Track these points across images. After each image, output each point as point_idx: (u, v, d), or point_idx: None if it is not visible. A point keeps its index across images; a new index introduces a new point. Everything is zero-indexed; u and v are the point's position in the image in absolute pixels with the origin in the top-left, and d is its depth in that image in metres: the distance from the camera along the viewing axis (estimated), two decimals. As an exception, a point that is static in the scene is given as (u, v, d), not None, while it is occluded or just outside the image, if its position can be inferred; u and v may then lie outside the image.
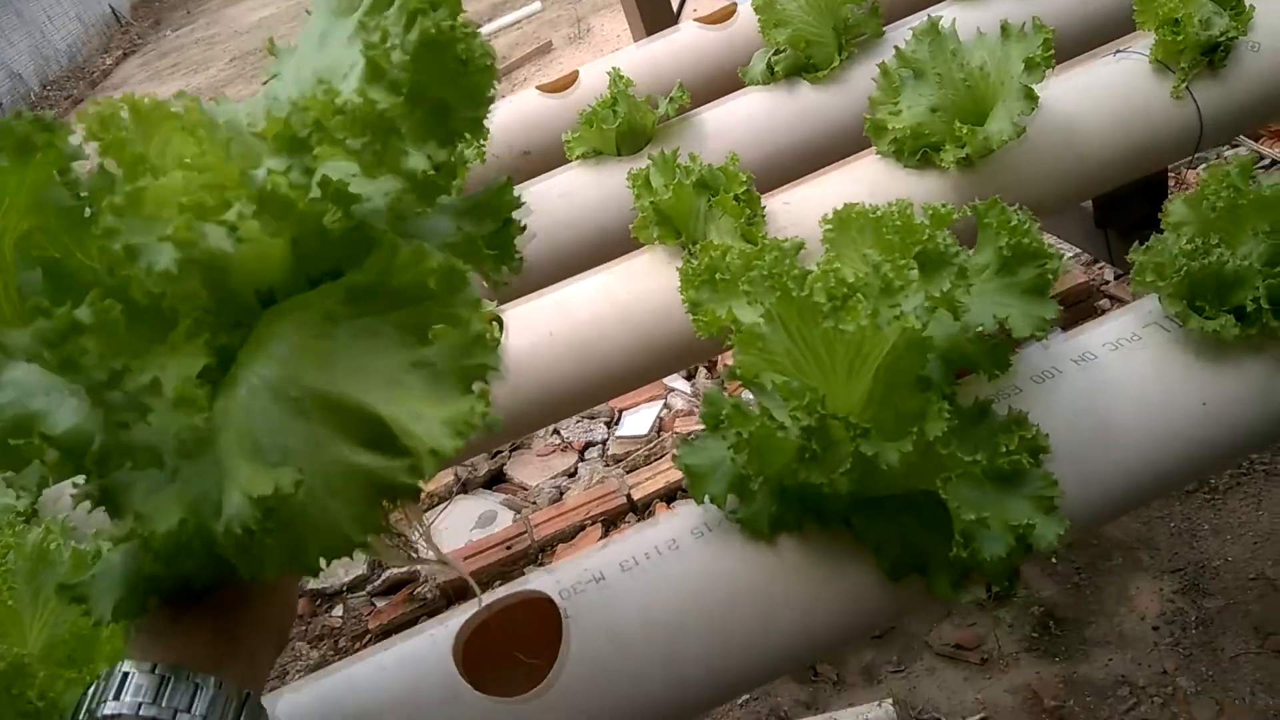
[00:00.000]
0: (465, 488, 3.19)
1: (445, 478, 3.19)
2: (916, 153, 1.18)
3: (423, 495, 0.57)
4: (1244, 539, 2.27)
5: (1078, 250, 3.08)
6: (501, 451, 3.32)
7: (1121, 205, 1.37)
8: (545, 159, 1.60)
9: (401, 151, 0.54)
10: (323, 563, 0.52)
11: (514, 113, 1.68)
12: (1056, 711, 2.10)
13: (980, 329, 0.73)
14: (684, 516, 0.87)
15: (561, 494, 3.12)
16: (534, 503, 3.12)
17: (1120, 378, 0.82)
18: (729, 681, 0.79)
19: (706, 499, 0.82)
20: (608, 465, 3.16)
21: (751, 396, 0.87)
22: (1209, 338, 0.81)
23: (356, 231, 0.54)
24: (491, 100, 0.59)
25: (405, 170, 0.55)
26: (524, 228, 0.64)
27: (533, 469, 3.25)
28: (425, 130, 0.56)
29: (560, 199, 1.38)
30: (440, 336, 0.52)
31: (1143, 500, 0.82)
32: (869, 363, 0.72)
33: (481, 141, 1.35)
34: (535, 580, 0.86)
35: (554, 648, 0.79)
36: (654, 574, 0.82)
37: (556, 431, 3.36)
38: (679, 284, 0.91)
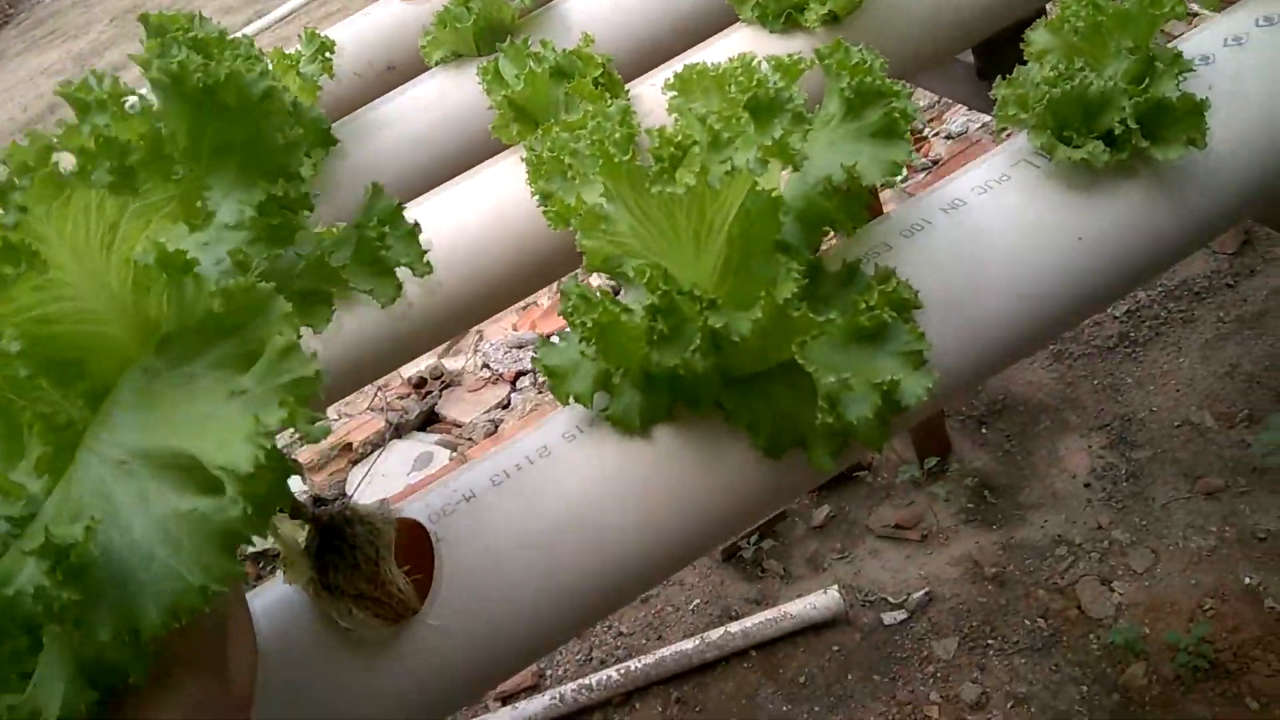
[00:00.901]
0: (399, 432, 3.12)
1: (378, 424, 3.12)
2: (780, 15, 1.11)
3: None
4: (1167, 388, 2.30)
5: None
6: (431, 392, 3.25)
7: (1002, 51, 1.32)
8: (410, 73, 1.50)
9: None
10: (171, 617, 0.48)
11: (373, 25, 1.57)
12: (997, 577, 2.13)
13: (830, 179, 0.68)
14: (555, 421, 0.82)
15: (497, 426, 3.07)
16: (470, 439, 3.07)
17: (991, 221, 0.77)
18: (613, 586, 0.75)
19: (571, 399, 0.77)
20: (541, 392, 3.11)
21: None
22: (1080, 168, 0.77)
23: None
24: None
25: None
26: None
27: (465, 405, 3.19)
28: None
29: (421, 111, 1.29)
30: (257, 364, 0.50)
31: (1026, 346, 0.79)
32: (715, 230, 0.66)
33: (328, 54, 1.26)
34: (408, 508, 0.81)
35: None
36: (526, 484, 0.77)
37: (486, 365, 3.29)
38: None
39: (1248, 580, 1.95)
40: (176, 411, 0.51)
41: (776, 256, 0.70)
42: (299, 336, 0.51)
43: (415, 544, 0.80)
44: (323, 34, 1.27)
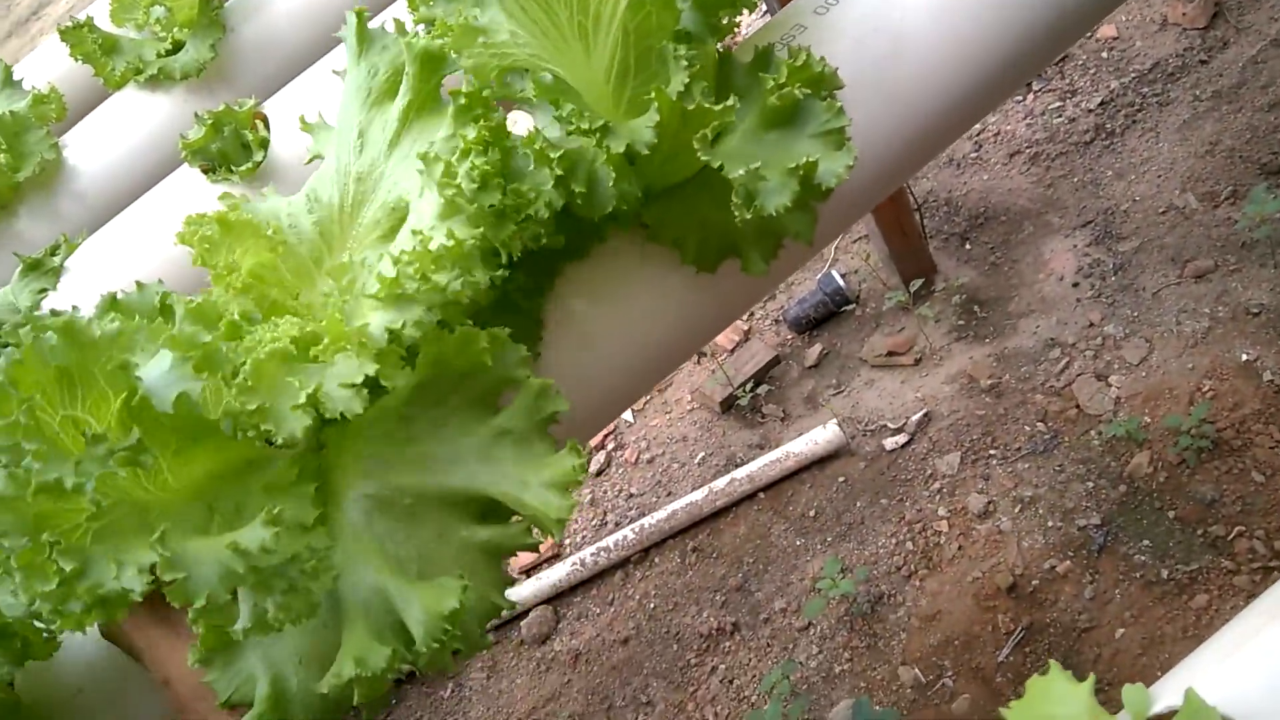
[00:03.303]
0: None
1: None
2: None
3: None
4: (1148, 175, 2.23)
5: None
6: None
7: None
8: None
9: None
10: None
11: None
12: (994, 389, 2.11)
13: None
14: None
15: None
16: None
17: (908, -18, 0.71)
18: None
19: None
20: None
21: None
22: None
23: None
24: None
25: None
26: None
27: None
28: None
29: None
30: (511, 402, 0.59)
31: (961, 115, 0.73)
32: (604, 23, 0.60)
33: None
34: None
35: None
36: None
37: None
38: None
39: (1244, 356, 1.92)
40: (443, 452, 0.59)
41: (677, 45, 0.64)
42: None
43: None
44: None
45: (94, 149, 1.23)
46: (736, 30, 0.74)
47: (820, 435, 2.18)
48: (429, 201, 0.57)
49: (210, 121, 0.97)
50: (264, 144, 0.98)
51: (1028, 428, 2.02)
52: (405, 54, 0.62)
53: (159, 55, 1.19)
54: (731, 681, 2.01)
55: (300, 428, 0.51)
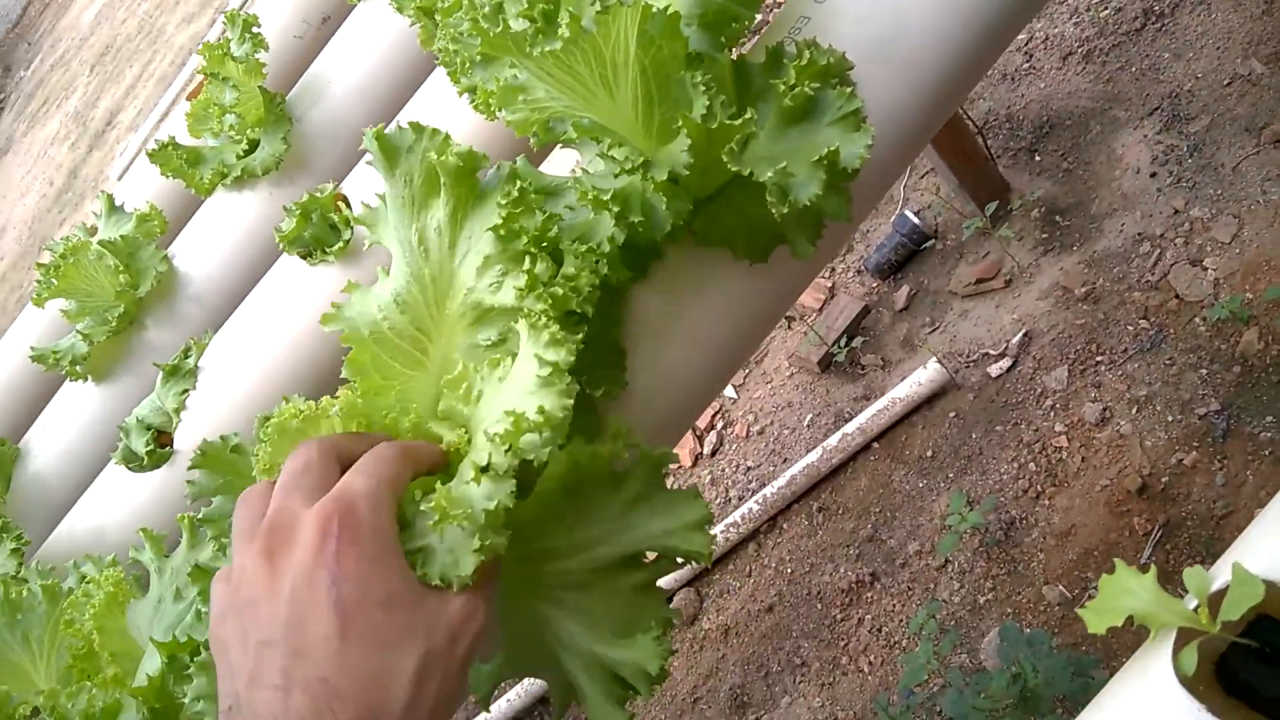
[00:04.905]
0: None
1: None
2: None
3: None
4: (1206, 49, 2.17)
5: None
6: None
7: None
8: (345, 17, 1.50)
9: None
10: None
11: (294, -14, 1.57)
12: (1090, 295, 2.10)
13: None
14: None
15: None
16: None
17: (898, -47, 0.74)
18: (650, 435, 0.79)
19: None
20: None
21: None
22: None
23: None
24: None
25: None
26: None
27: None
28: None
29: (356, 53, 1.30)
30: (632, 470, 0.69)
31: (971, 69, 0.77)
32: (621, 66, 0.66)
33: (254, 29, 1.27)
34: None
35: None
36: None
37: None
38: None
39: (1342, 211, 1.87)
40: (591, 533, 0.68)
41: (693, 72, 0.70)
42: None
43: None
44: (242, 12, 1.28)
45: (199, 254, 1.35)
46: (747, 34, 0.79)
47: (922, 375, 2.20)
48: (525, 358, 0.65)
49: (299, 212, 1.07)
50: (348, 222, 1.07)
51: (1130, 327, 2.00)
52: (438, 168, 0.67)
53: (238, 157, 1.31)
54: (880, 629, 2.05)
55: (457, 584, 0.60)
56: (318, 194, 1.10)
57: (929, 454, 2.17)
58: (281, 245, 1.10)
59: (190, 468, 0.78)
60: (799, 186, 0.63)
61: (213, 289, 1.34)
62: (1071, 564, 1.86)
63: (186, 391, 1.13)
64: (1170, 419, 1.87)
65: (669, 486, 0.69)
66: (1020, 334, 2.15)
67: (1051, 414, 2.02)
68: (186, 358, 1.16)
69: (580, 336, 0.70)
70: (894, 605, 2.06)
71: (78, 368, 1.33)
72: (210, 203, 1.36)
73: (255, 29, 1.27)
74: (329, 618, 0.53)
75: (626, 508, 0.68)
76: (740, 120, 0.61)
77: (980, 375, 2.18)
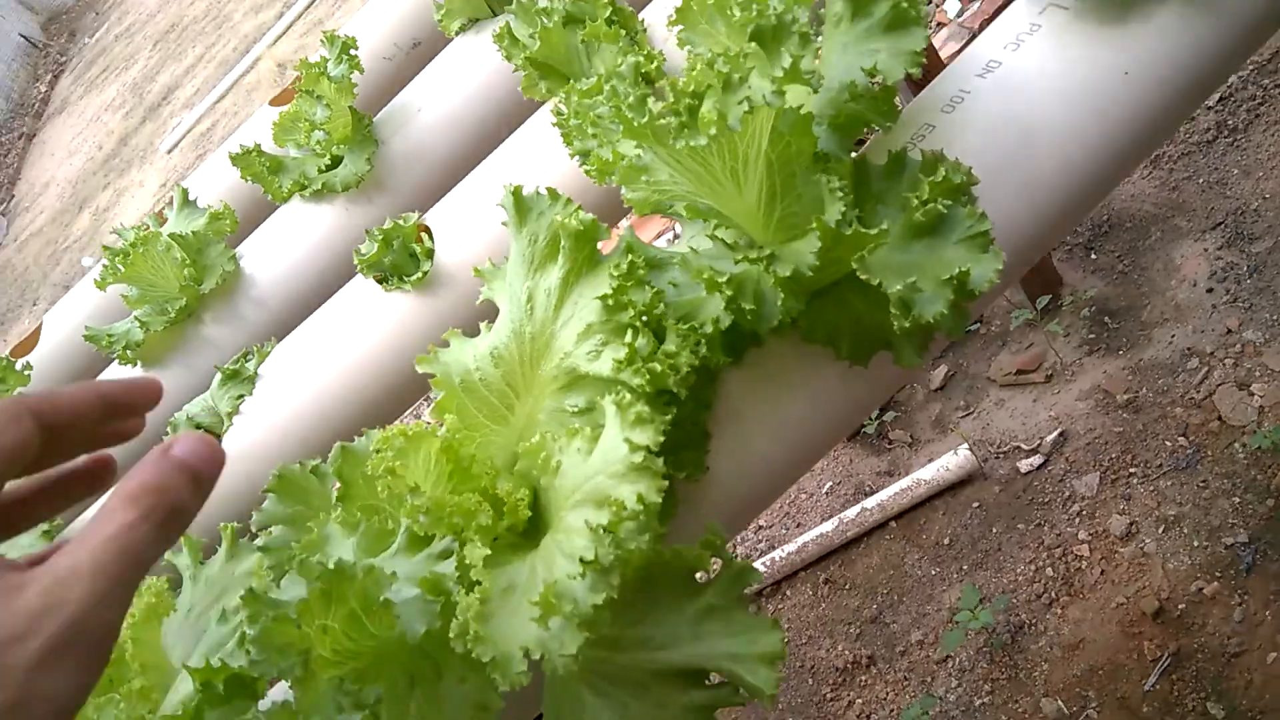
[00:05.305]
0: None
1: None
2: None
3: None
4: (1276, 170, 2.16)
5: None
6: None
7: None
8: (438, 45, 1.51)
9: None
10: None
11: (388, 7, 1.58)
12: (1131, 403, 2.08)
13: (853, 84, 0.67)
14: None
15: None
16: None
17: (1030, 75, 0.74)
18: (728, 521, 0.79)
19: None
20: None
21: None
22: (1109, 0, 0.73)
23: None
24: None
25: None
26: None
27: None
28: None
29: (449, 86, 1.31)
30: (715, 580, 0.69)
31: (1090, 194, 0.76)
32: (751, 161, 0.66)
33: (352, 51, 1.28)
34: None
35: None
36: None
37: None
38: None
39: (1397, 356, 1.86)
40: (657, 633, 0.68)
41: (818, 171, 0.70)
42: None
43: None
44: (341, 33, 1.30)
45: (268, 258, 1.36)
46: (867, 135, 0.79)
47: (951, 461, 2.18)
48: (612, 438, 0.64)
49: (381, 237, 1.07)
50: (429, 254, 1.07)
51: (1168, 443, 1.98)
52: (561, 231, 0.69)
53: (320, 170, 1.31)
54: (869, 716, 2.02)
55: (524, 680, 0.59)
56: (401, 222, 1.10)
57: (946, 542, 2.15)
58: (360, 267, 1.10)
59: (265, 490, 0.78)
60: (925, 302, 0.63)
61: (275, 294, 1.34)
62: (1074, 680, 1.83)
63: (243, 397, 1.13)
64: (1196, 544, 1.85)
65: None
66: (1056, 432, 2.13)
67: (1077, 520, 2.00)
68: (246, 362, 1.15)
69: (669, 417, 0.70)
70: (887, 693, 2.03)
71: (129, 353, 1.33)
72: (285, 210, 1.37)
73: (353, 51, 1.28)
74: None
75: (700, 617, 0.68)
76: (876, 231, 0.61)
77: (1009, 469, 2.16)
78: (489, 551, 0.66)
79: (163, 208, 1.41)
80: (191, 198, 1.42)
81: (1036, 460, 2.12)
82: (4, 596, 0.38)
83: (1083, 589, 1.89)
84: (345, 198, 1.30)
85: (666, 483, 0.63)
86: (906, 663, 2.02)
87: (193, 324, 1.36)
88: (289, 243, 1.34)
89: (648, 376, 0.65)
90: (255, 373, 1.14)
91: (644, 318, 0.67)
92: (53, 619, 0.38)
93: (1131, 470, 1.99)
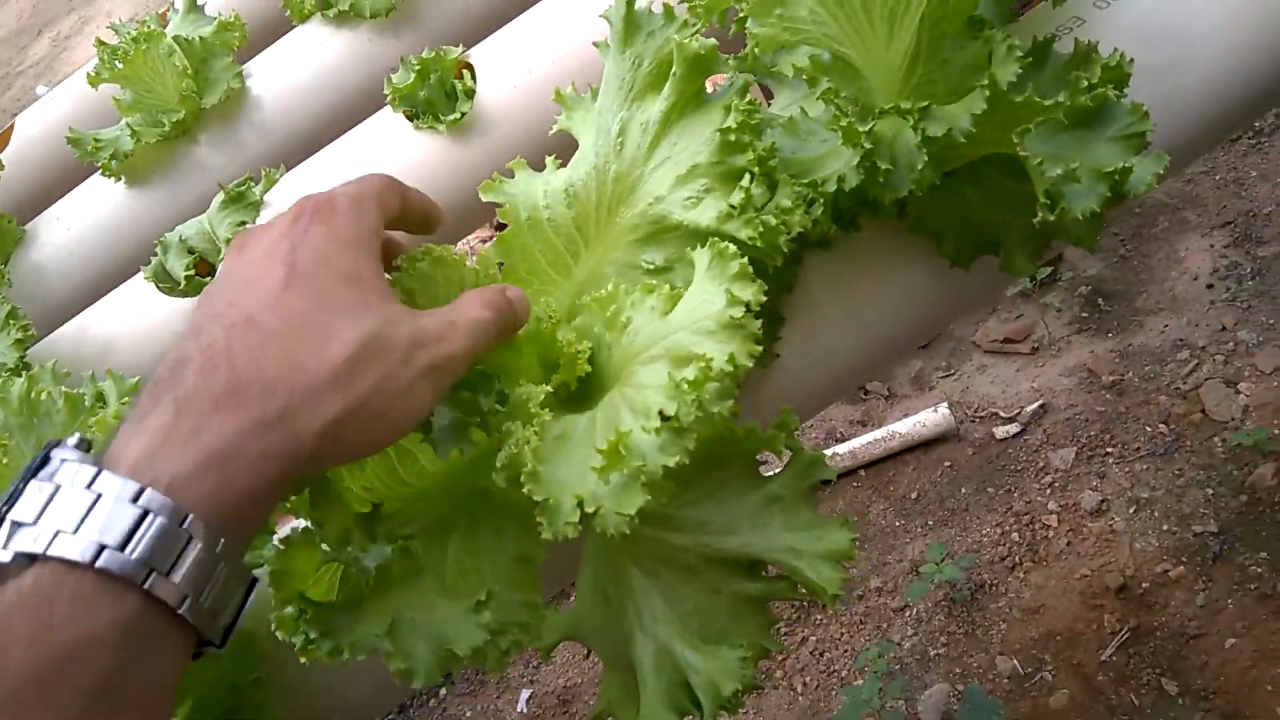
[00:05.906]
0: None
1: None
2: None
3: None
4: (1297, 178, 2.15)
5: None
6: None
7: None
8: None
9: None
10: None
11: None
12: (1115, 385, 2.07)
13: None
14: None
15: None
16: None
17: (1202, -18, 0.68)
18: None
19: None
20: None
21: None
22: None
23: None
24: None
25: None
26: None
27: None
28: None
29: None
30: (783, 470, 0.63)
31: (1235, 124, 0.71)
32: (913, 7, 0.59)
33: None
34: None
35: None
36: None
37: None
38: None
39: (1385, 375, 1.86)
40: (716, 517, 0.62)
41: (968, 38, 0.63)
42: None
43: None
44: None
45: (276, 80, 1.24)
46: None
47: (929, 417, 2.16)
48: (706, 291, 0.57)
49: (418, 67, 0.97)
50: (470, 94, 0.97)
51: (1149, 428, 1.98)
52: (675, 53, 0.61)
53: (349, -9, 1.19)
54: (822, 654, 2.02)
55: (571, 532, 0.52)
56: (442, 53, 1.00)
57: (914, 496, 2.14)
58: (390, 98, 0.99)
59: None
60: (1079, 196, 0.56)
61: (279, 122, 1.23)
62: (1031, 641, 1.84)
63: (245, 224, 1.02)
64: (1166, 528, 1.86)
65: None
66: (1036, 404, 2.12)
67: (1048, 491, 2.00)
68: (253, 186, 1.05)
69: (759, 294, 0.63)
70: (842, 634, 2.02)
71: (114, 163, 1.21)
72: (302, 30, 1.25)
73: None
74: (277, 270, 0.49)
75: (764, 505, 0.62)
76: (1051, 103, 0.54)
77: (984, 433, 2.15)
78: (550, 389, 0.59)
79: (166, 8, 1.28)
80: (200, 2, 1.29)
81: (1014, 429, 2.11)
82: (410, 316, 0.51)
83: (1048, 557, 1.89)
84: (370, 25, 1.18)
85: (760, 348, 0.56)
86: (864, 607, 2.01)
87: (186, 143, 1.24)
88: (302, 66, 1.22)
89: (760, 230, 0.57)
90: (260, 199, 1.04)
91: (757, 167, 0.60)
92: (441, 347, 0.51)
93: (1109, 450, 1.98)
